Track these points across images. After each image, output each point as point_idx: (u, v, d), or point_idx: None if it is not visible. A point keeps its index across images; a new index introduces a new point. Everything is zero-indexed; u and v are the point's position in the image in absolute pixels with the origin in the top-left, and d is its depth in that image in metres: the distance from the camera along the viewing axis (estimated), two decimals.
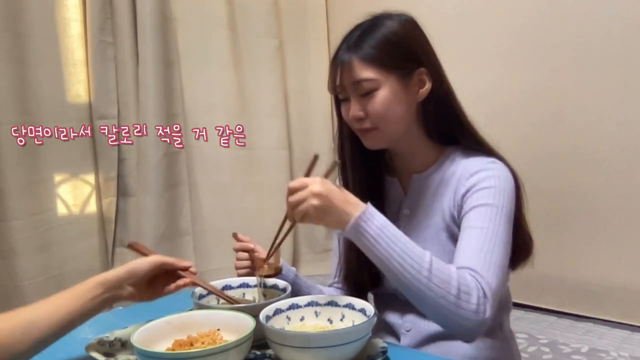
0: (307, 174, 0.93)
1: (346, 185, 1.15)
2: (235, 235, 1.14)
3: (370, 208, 0.90)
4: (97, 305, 0.87)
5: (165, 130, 2.50)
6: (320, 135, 3.08)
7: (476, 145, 1.08)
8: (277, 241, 1.04)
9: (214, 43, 2.69)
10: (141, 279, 0.92)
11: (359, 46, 1.02)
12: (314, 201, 0.88)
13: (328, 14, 3.08)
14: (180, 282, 0.95)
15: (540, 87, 2.29)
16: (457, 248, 0.96)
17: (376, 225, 0.88)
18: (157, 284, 0.95)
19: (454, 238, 1.03)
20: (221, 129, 2.69)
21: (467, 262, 0.91)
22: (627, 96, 2.09)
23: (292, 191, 0.91)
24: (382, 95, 1.01)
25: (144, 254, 1.00)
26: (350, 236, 0.90)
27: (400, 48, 1.03)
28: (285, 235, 1.04)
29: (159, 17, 2.46)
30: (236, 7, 2.76)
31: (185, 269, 0.97)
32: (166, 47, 2.51)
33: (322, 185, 0.89)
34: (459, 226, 1.02)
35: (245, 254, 1.12)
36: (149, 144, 2.45)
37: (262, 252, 1.10)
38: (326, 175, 0.93)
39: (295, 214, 0.90)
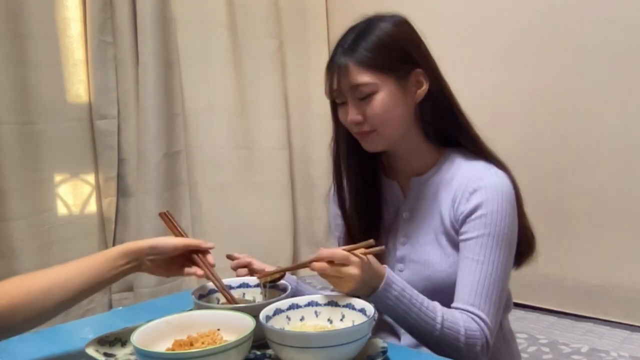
0: (353, 249, 0.92)
1: (340, 189, 1.15)
2: (229, 257, 1.13)
3: (389, 276, 0.94)
4: (119, 274, 0.91)
5: (165, 130, 2.50)
6: (320, 136, 3.08)
7: (475, 148, 1.08)
8: (285, 270, 1.05)
9: (214, 43, 2.68)
10: (162, 256, 0.95)
11: (354, 50, 1.01)
12: (350, 284, 0.90)
13: (328, 14, 3.08)
14: (197, 271, 0.98)
15: (540, 87, 2.29)
16: (458, 279, 1.01)
17: (397, 291, 0.94)
18: (176, 263, 0.98)
19: (452, 242, 1.05)
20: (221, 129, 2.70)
21: (470, 300, 0.99)
22: (627, 96, 2.09)
23: (331, 260, 0.90)
24: (381, 98, 1.01)
25: (172, 230, 1.03)
26: (373, 302, 0.94)
27: (396, 50, 1.03)
28: (293, 269, 1.06)
29: (159, 17, 2.46)
30: (236, 7, 2.76)
31: (206, 251, 1.00)
32: (166, 47, 2.51)
33: (361, 271, 0.89)
34: (457, 231, 1.04)
35: (245, 270, 1.11)
36: (149, 144, 2.45)
37: (259, 264, 1.10)
38: (366, 254, 0.92)
39: (325, 278, 0.92)
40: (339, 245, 1.19)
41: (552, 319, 2.29)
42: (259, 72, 2.83)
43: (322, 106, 3.45)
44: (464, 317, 0.98)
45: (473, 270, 1.00)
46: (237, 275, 1.12)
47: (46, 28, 2.24)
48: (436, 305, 0.97)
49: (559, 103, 2.25)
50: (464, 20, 2.47)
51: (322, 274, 0.91)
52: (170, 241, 0.96)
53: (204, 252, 1.00)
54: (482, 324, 0.98)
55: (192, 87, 2.63)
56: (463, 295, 1.00)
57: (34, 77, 2.20)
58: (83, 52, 2.36)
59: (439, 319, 0.95)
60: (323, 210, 3.09)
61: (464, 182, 1.04)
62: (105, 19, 2.37)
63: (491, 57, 2.40)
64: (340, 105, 1.07)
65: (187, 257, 1.00)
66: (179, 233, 1.03)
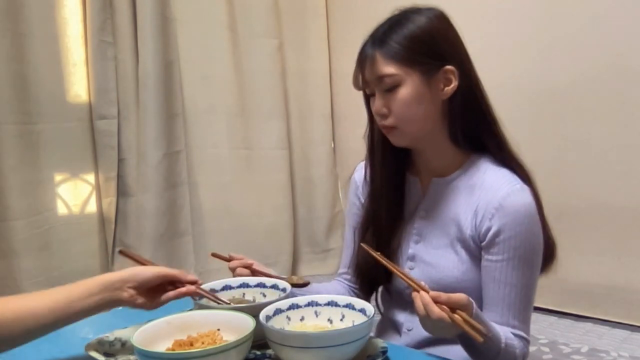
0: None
1: (372, 180, 1.14)
2: (230, 257, 1.12)
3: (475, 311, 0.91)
4: (94, 305, 0.87)
5: (165, 130, 2.50)
6: (320, 136, 3.08)
7: (501, 155, 1.07)
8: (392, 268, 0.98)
9: (214, 43, 2.68)
10: (143, 285, 0.90)
11: (383, 41, 1.01)
12: (445, 333, 0.89)
13: (328, 14, 3.08)
14: (182, 290, 0.93)
15: (540, 87, 2.29)
16: (495, 300, 1.02)
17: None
18: (159, 294, 0.93)
19: (469, 250, 1.04)
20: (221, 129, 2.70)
21: (512, 323, 1.01)
22: (627, 96, 2.09)
23: (439, 301, 0.86)
24: (404, 92, 1.00)
25: (138, 262, 0.99)
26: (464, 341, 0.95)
27: (426, 44, 1.01)
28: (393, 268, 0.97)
29: (159, 17, 2.46)
30: (236, 7, 2.76)
31: (192, 283, 0.94)
32: (166, 47, 2.51)
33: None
34: (477, 245, 1.03)
35: (247, 271, 1.10)
36: (149, 144, 2.45)
37: (260, 267, 1.10)
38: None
39: (426, 313, 0.86)
40: (354, 237, 1.18)
41: (552, 319, 2.28)
42: (259, 72, 2.83)
43: (323, 106, 3.46)
44: (519, 346, 1.00)
45: (508, 293, 1.01)
46: (238, 274, 1.10)
47: (46, 28, 2.24)
48: (499, 328, 0.98)
49: (559, 103, 2.25)
50: (463, 19, 2.46)
51: (423, 319, 0.87)
52: (150, 269, 0.92)
53: (190, 283, 0.94)
54: (525, 342, 1.02)
55: (192, 87, 2.63)
56: (505, 313, 1.02)
57: (34, 77, 2.20)
58: (83, 52, 2.36)
59: (503, 342, 0.96)
60: (323, 210, 3.10)
61: (489, 195, 1.02)
62: (105, 19, 2.37)
63: (491, 57, 2.40)
64: (371, 96, 1.06)
65: (172, 287, 0.94)
66: (147, 263, 0.99)
